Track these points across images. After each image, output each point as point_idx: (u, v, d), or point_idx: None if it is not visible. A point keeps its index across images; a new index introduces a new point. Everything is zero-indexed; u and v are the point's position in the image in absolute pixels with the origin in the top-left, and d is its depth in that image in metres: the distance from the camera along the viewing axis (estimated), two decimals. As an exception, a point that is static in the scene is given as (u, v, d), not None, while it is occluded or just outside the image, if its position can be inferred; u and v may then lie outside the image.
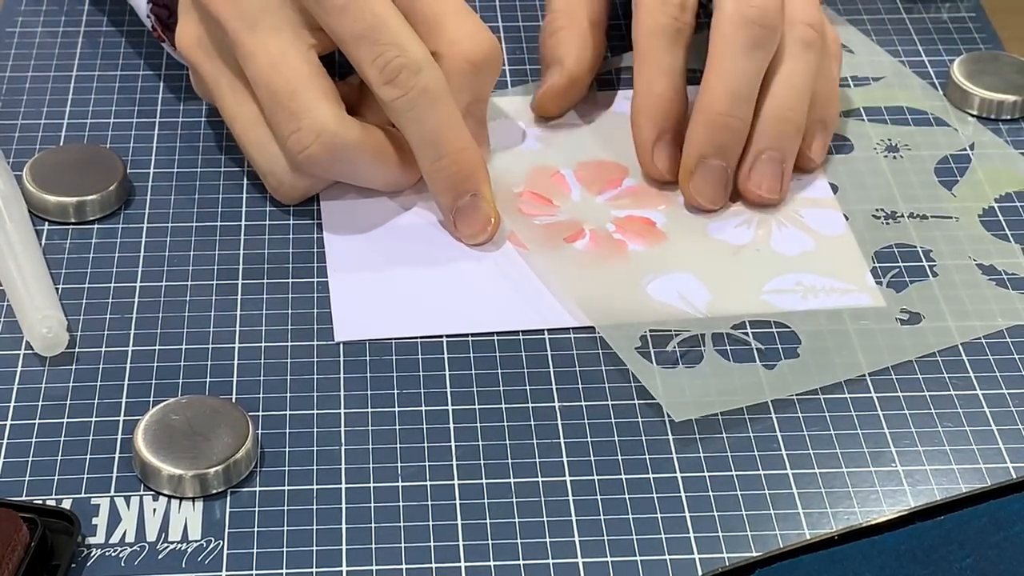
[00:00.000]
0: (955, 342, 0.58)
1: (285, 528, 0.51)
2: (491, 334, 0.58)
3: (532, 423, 0.55)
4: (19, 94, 0.69)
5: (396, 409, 0.55)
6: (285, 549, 0.51)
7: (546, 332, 0.59)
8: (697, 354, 0.57)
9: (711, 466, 0.54)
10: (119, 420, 0.55)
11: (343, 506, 0.52)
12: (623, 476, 0.53)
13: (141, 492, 0.52)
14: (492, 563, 0.50)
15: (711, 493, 0.53)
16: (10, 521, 0.49)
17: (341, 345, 0.58)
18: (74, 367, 0.57)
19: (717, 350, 0.58)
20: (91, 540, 0.51)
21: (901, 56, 0.73)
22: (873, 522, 0.52)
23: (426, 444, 0.54)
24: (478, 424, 0.55)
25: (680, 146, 0.64)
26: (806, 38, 0.64)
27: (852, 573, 0.50)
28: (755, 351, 0.58)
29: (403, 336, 0.58)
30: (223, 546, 0.51)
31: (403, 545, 0.51)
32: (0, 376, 0.56)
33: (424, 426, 0.55)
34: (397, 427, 0.55)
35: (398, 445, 0.54)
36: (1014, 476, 0.54)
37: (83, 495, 0.52)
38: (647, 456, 0.54)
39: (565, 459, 0.54)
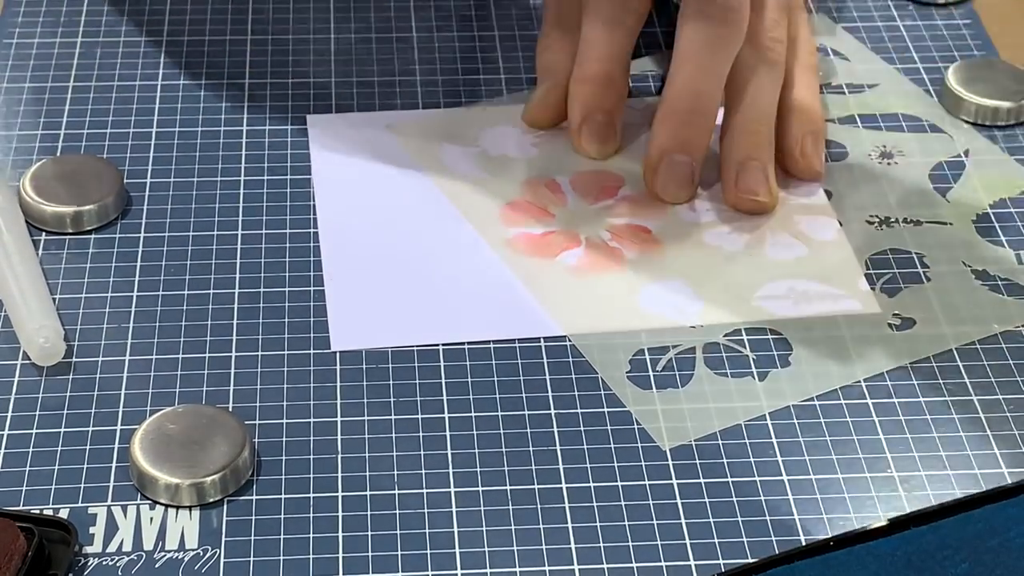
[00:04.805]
0: (949, 347, 0.58)
1: (282, 536, 0.51)
2: (487, 342, 0.58)
3: (528, 431, 0.55)
4: (16, 104, 0.70)
5: (392, 417, 0.55)
6: (282, 557, 0.51)
7: (542, 340, 0.59)
8: (689, 369, 0.57)
9: (707, 472, 0.54)
10: (116, 429, 0.55)
11: (339, 514, 0.52)
12: (619, 483, 0.53)
13: (138, 501, 0.52)
14: (489, 570, 0.50)
15: (707, 500, 0.53)
16: (7, 530, 0.49)
17: (338, 354, 0.58)
18: (71, 377, 0.57)
19: (709, 364, 0.58)
20: (88, 549, 0.51)
21: (896, 63, 0.73)
22: (869, 528, 0.52)
23: (423, 452, 0.54)
24: (474, 432, 0.55)
25: (611, 124, 0.66)
26: (770, 57, 0.65)
27: (847, 579, 0.50)
28: (749, 360, 0.58)
29: (399, 345, 0.58)
30: (220, 555, 0.51)
31: (399, 553, 0.51)
32: (-3, 386, 0.56)
33: (420, 434, 0.55)
34: (393, 435, 0.55)
35: (394, 453, 0.54)
36: (1009, 482, 0.54)
37: (80, 504, 0.52)
38: (643, 463, 0.54)
39: (561, 466, 0.54)
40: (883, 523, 0.52)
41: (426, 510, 0.52)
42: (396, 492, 0.53)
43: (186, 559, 0.51)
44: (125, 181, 0.65)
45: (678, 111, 0.64)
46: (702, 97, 0.64)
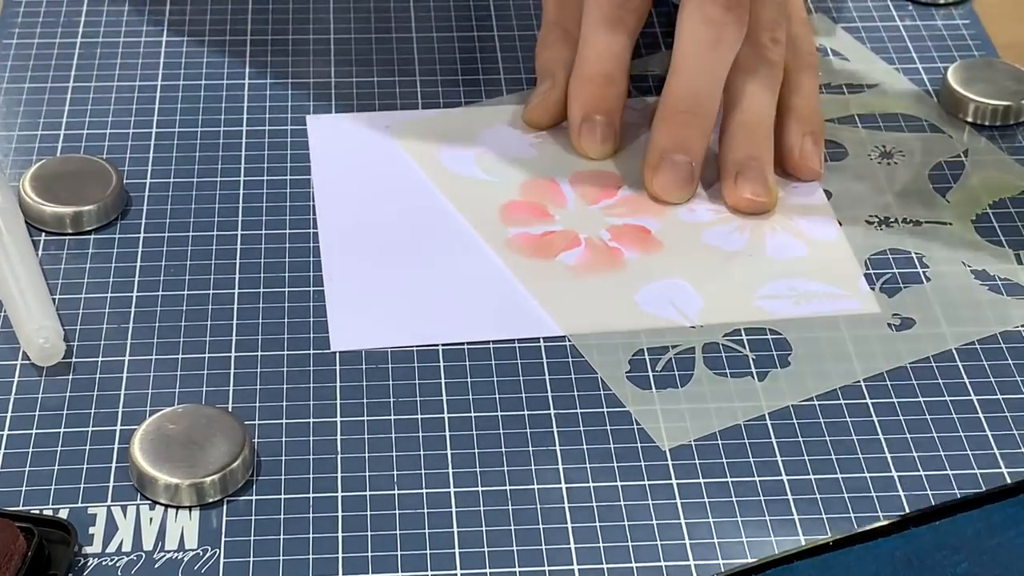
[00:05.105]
0: (949, 347, 0.58)
1: (281, 536, 0.51)
2: (487, 342, 0.58)
3: (528, 431, 0.55)
4: (16, 105, 0.70)
5: (392, 417, 0.55)
6: (281, 557, 0.51)
7: (542, 340, 0.59)
8: (688, 369, 0.57)
9: (706, 472, 0.54)
10: (116, 430, 0.55)
11: (339, 514, 0.52)
12: (619, 483, 0.53)
13: (138, 501, 0.52)
14: (488, 570, 0.50)
15: (706, 499, 0.53)
16: (7, 531, 0.49)
17: (337, 354, 0.58)
18: (71, 377, 0.57)
19: (708, 364, 0.58)
20: (88, 549, 0.51)
21: (895, 63, 0.73)
22: (868, 528, 0.52)
23: (422, 452, 0.54)
24: (474, 432, 0.55)
25: (610, 125, 0.66)
26: (769, 57, 0.65)
27: (847, 579, 0.50)
28: (748, 360, 0.58)
29: (399, 345, 0.58)
30: (220, 555, 0.51)
31: (399, 553, 0.51)
32: (-3, 386, 0.57)
33: (420, 434, 0.55)
34: (393, 435, 0.55)
35: (394, 453, 0.54)
36: (1009, 481, 0.54)
37: (80, 504, 0.52)
38: (642, 463, 0.54)
39: (561, 466, 0.54)
40: (883, 523, 0.52)
41: (426, 510, 0.52)
42: (396, 492, 0.53)
43: (186, 559, 0.51)
44: (125, 181, 0.65)
45: (677, 111, 0.64)
46: (701, 97, 0.64)
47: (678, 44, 0.64)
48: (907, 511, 0.52)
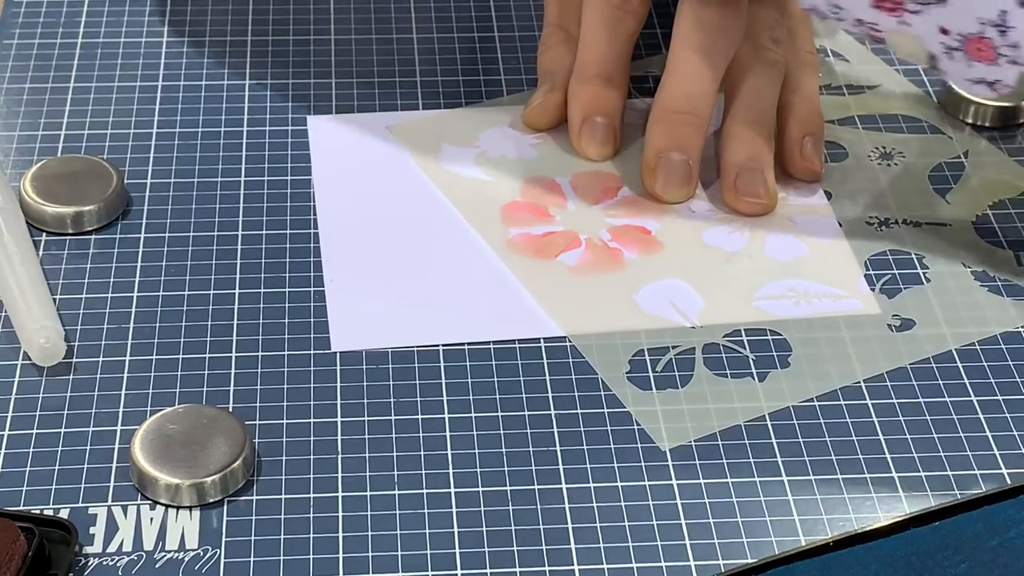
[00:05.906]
0: (949, 348, 0.59)
1: (282, 536, 0.51)
2: (487, 343, 0.59)
3: (528, 431, 0.55)
4: (17, 105, 0.70)
5: (392, 418, 0.55)
6: (282, 557, 0.51)
7: (542, 341, 0.59)
8: (688, 369, 0.57)
9: (706, 473, 0.54)
10: (116, 430, 0.55)
11: (340, 515, 0.52)
12: (619, 484, 0.53)
13: (138, 501, 0.52)
14: (489, 570, 0.50)
15: (707, 500, 0.53)
16: (8, 531, 0.49)
17: (338, 354, 0.58)
18: (71, 377, 0.57)
19: (708, 365, 0.58)
20: (88, 549, 0.51)
21: (896, 64, 0.73)
22: (868, 528, 0.52)
23: (423, 452, 0.54)
24: (474, 432, 0.55)
25: (610, 126, 0.66)
26: (770, 57, 0.65)
27: (847, 579, 0.50)
28: (748, 360, 0.58)
29: (399, 345, 0.58)
30: (220, 555, 0.51)
31: (400, 553, 0.51)
32: (-2, 386, 0.57)
33: (420, 434, 0.55)
34: (393, 435, 0.55)
35: (394, 453, 0.54)
36: (1009, 482, 0.54)
37: (80, 504, 0.52)
38: (643, 463, 0.54)
39: (561, 467, 0.54)
40: (883, 523, 0.52)
41: (426, 510, 0.52)
42: (396, 492, 0.53)
43: (186, 559, 0.51)
44: (125, 181, 0.65)
45: (671, 112, 0.64)
46: (695, 98, 0.64)
47: (673, 43, 0.64)
48: (907, 512, 0.53)
